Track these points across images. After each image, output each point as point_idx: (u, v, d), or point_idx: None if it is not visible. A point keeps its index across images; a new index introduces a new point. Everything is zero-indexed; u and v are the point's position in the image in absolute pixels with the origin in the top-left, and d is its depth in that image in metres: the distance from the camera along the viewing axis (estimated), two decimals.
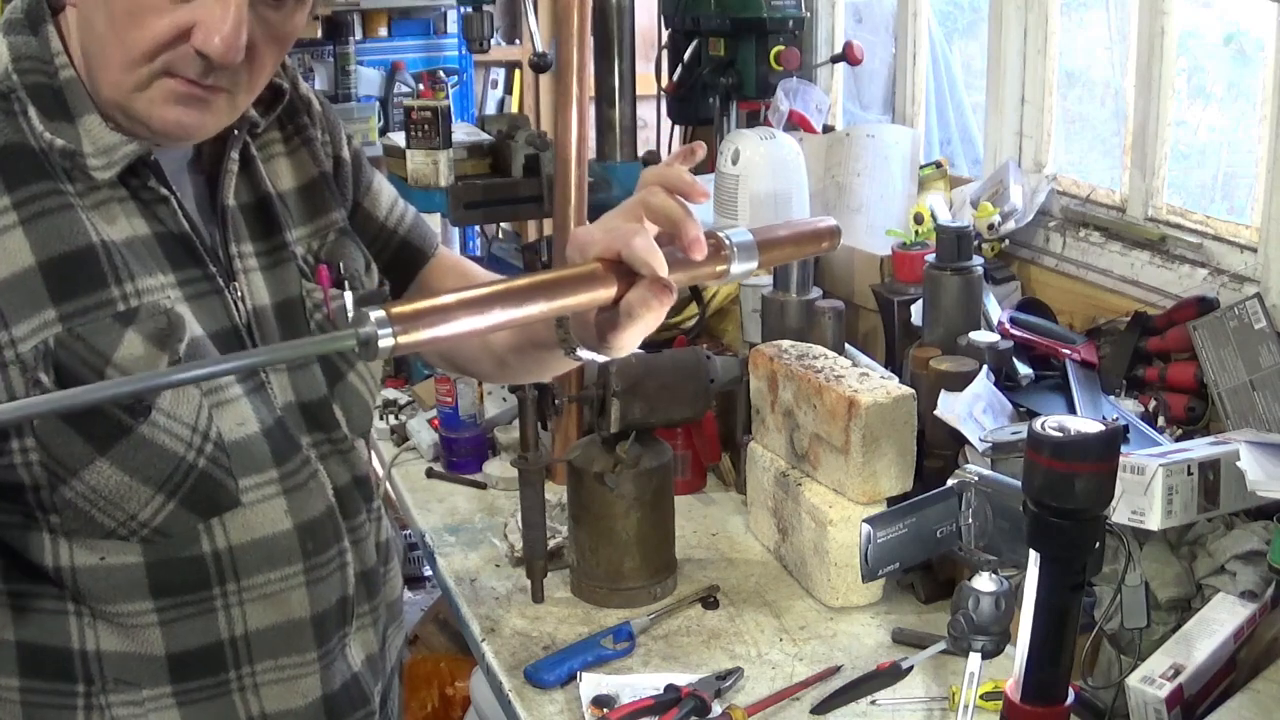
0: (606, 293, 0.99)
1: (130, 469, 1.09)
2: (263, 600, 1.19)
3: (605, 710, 1.47)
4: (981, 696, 1.39)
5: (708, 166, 2.74)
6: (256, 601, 1.18)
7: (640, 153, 2.87)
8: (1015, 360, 1.88)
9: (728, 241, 1.03)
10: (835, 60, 2.73)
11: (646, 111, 2.95)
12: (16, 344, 1.03)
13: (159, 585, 1.14)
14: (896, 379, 1.78)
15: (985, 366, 1.79)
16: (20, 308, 1.03)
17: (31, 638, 1.16)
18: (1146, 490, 1.43)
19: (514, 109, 4.96)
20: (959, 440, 1.69)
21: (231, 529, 1.16)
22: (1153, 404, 1.80)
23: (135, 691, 1.17)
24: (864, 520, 1.39)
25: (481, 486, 2.13)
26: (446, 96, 2.66)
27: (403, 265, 1.44)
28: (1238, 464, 1.45)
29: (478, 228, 3.67)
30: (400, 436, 2.34)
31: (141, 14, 1.04)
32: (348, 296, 1.00)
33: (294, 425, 1.22)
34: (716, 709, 1.47)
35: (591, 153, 2.75)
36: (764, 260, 1.07)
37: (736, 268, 1.04)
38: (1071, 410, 1.77)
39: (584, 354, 1.11)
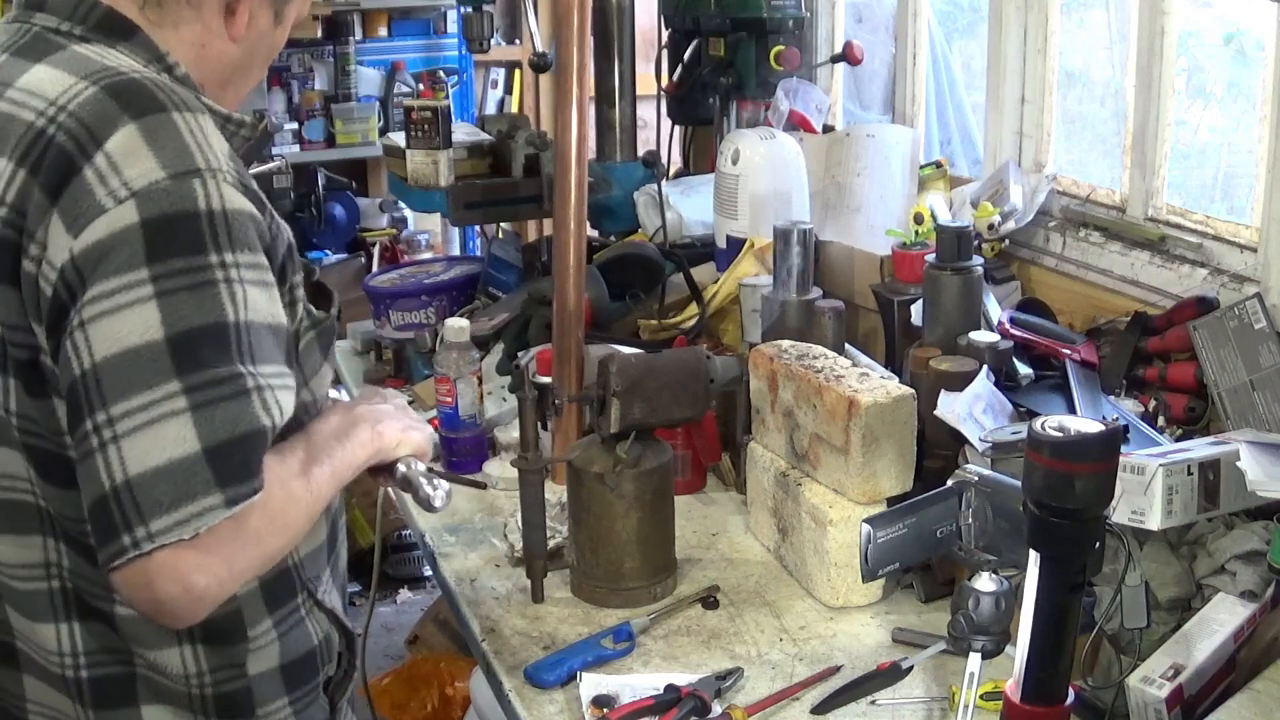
0: None
1: (332, 363, 1.36)
2: None
3: (605, 710, 1.47)
4: (981, 696, 1.39)
5: (708, 166, 2.74)
6: None
7: (640, 153, 2.87)
8: (1015, 360, 1.88)
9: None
10: (835, 60, 2.73)
11: (646, 111, 2.95)
12: (296, 288, 1.25)
13: None
14: (896, 379, 1.78)
15: (985, 366, 1.79)
16: (294, 260, 1.25)
17: (266, 580, 1.29)
18: (1146, 490, 1.43)
19: (514, 109, 4.97)
20: (959, 440, 1.69)
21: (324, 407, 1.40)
22: (1153, 404, 1.80)
23: (321, 580, 1.37)
24: (864, 520, 1.39)
25: (481, 486, 2.12)
26: (446, 96, 2.68)
27: None
28: (1238, 464, 1.45)
29: (478, 228, 3.67)
30: None
31: (276, 49, 1.37)
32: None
33: None
34: (716, 709, 1.47)
35: (591, 153, 2.76)
36: None
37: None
38: (1071, 410, 1.77)
39: None
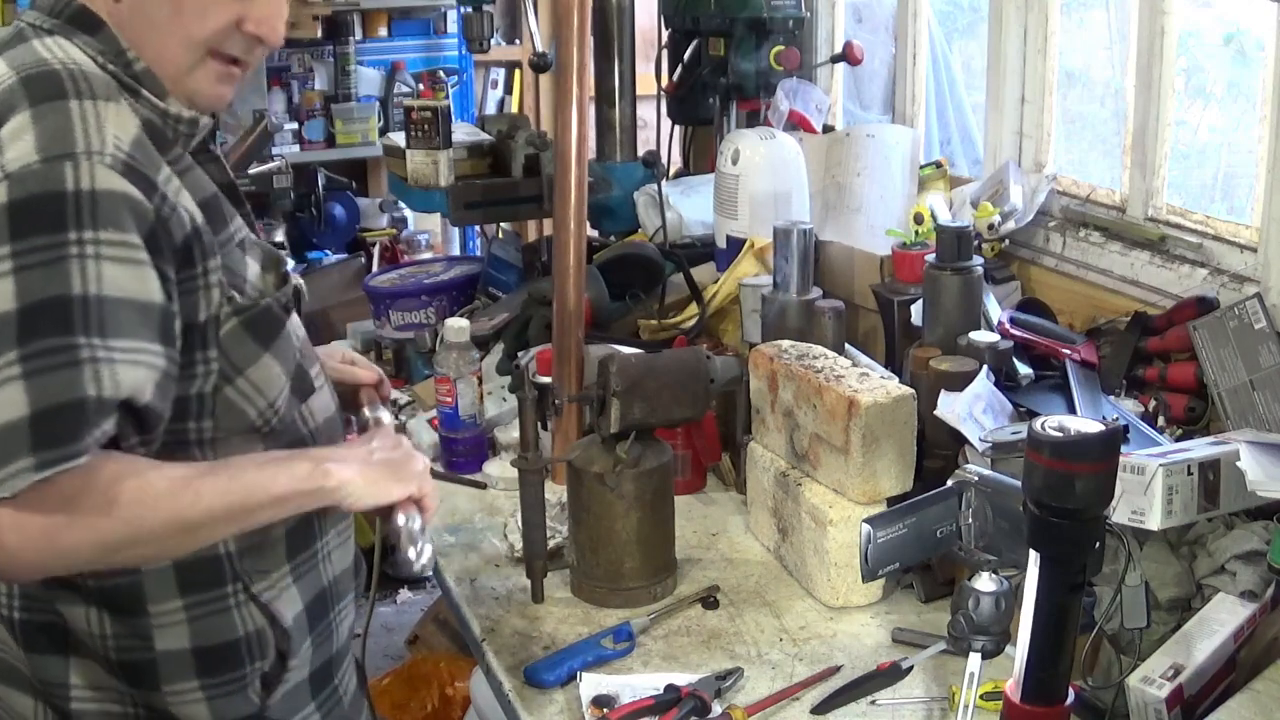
0: None
1: (281, 358, 1.32)
2: None
3: (605, 710, 1.47)
4: (981, 696, 1.39)
5: (708, 166, 2.74)
6: None
7: (640, 153, 2.87)
8: (1015, 360, 1.88)
9: None
10: (835, 60, 2.73)
11: (646, 111, 2.95)
12: (210, 273, 1.24)
13: None
14: (896, 379, 1.78)
15: (985, 366, 1.79)
16: (204, 245, 1.24)
17: (183, 562, 1.28)
18: (1146, 490, 1.43)
19: (514, 109, 4.97)
20: (959, 440, 1.69)
21: (314, 411, 1.39)
22: (1153, 404, 1.80)
23: (266, 577, 1.35)
24: (864, 520, 1.39)
25: (481, 486, 2.13)
26: (446, 96, 2.67)
27: None
28: (1238, 464, 1.46)
29: (478, 228, 3.67)
30: None
31: (207, 8, 1.26)
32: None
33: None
34: (716, 709, 1.47)
35: (591, 153, 2.76)
36: None
37: None
38: (1071, 410, 1.77)
39: None
